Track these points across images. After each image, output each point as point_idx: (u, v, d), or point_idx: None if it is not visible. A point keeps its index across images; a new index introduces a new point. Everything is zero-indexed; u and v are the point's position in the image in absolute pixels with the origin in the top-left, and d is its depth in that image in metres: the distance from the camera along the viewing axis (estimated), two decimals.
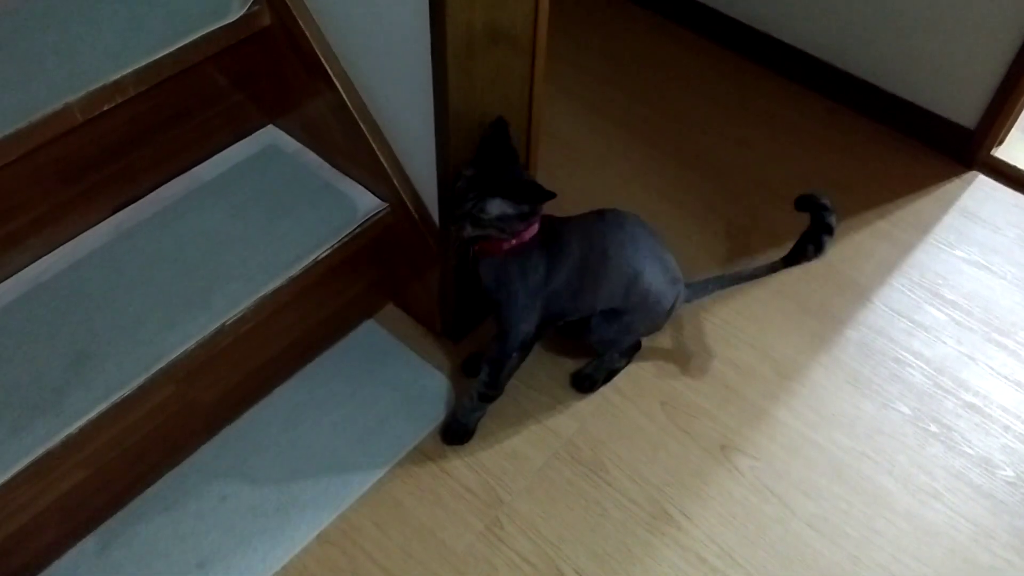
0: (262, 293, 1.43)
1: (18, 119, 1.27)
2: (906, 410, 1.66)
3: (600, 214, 1.48)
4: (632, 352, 1.69)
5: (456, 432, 1.57)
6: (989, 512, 1.53)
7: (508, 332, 1.44)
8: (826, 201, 1.51)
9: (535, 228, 1.37)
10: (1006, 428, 1.65)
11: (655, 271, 1.49)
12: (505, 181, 1.30)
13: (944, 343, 1.78)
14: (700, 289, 1.62)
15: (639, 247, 1.47)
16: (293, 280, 1.46)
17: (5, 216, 1.37)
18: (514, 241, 1.36)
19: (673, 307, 1.55)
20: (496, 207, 1.29)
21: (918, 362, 1.74)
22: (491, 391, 1.53)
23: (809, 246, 1.53)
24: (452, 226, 1.34)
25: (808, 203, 1.53)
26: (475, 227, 1.32)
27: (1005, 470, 1.59)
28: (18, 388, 1.29)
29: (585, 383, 1.65)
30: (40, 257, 1.45)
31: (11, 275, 1.43)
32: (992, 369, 1.74)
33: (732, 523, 1.50)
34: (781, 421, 1.64)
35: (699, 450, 1.59)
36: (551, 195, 1.28)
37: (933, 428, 1.64)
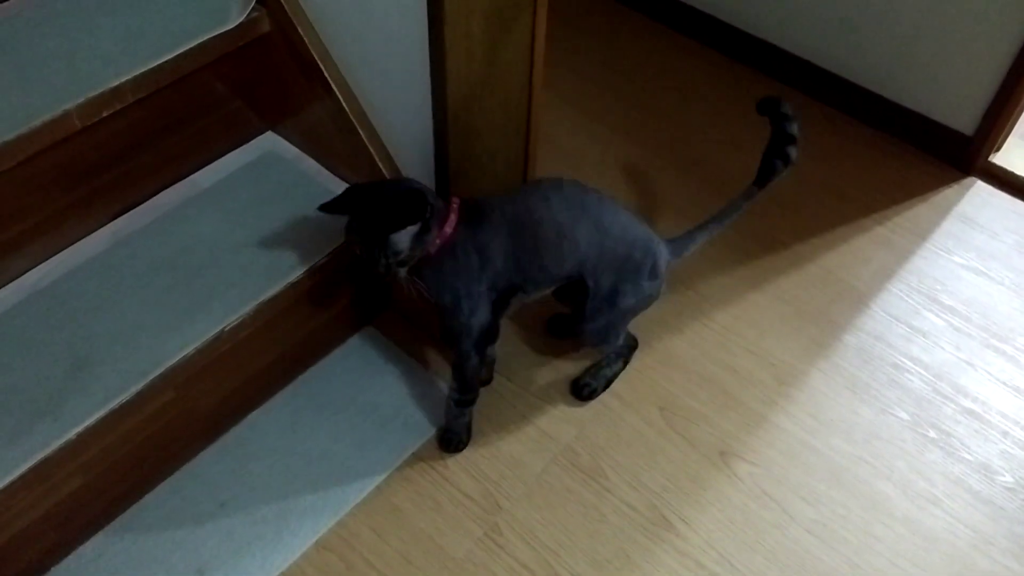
0: (261, 299, 1.43)
1: (18, 125, 1.28)
2: (905, 416, 1.66)
3: (531, 184, 1.45)
4: (629, 353, 1.67)
5: (448, 440, 1.57)
6: (988, 518, 1.53)
7: (461, 333, 1.43)
8: (787, 109, 1.47)
9: (452, 219, 1.35)
10: (1005, 434, 1.65)
11: (609, 223, 1.43)
12: (386, 214, 1.30)
13: (943, 349, 1.78)
14: (685, 241, 1.56)
15: (572, 203, 1.41)
16: (292, 286, 1.46)
17: (4, 222, 1.38)
18: (438, 241, 1.35)
19: (657, 267, 1.48)
20: (401, 241, 1.30)
21: (917, 368, 1.74)
22: (464, 395, 1.52)
23: (776, 161, 1.48)
24: (397, 283, 1.36)
25: (769, 107, 1.48)
26: (404, 265, 1.33)
27: (1004, 476, 1.59)
28: (17, 394, 1.30)
29: (584, 391, 1.65)
30: (39, 263, 1.46)
31: (10, 281, 1.43)
32: (991, 375, 1.74)
33: (731, 529, 1.49)
34: (780, 427, 1.64)
35: (698, 456, 1.59)
36: (420, 195, 1.30)
37: (932, 434, 1.64)
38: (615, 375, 1.67)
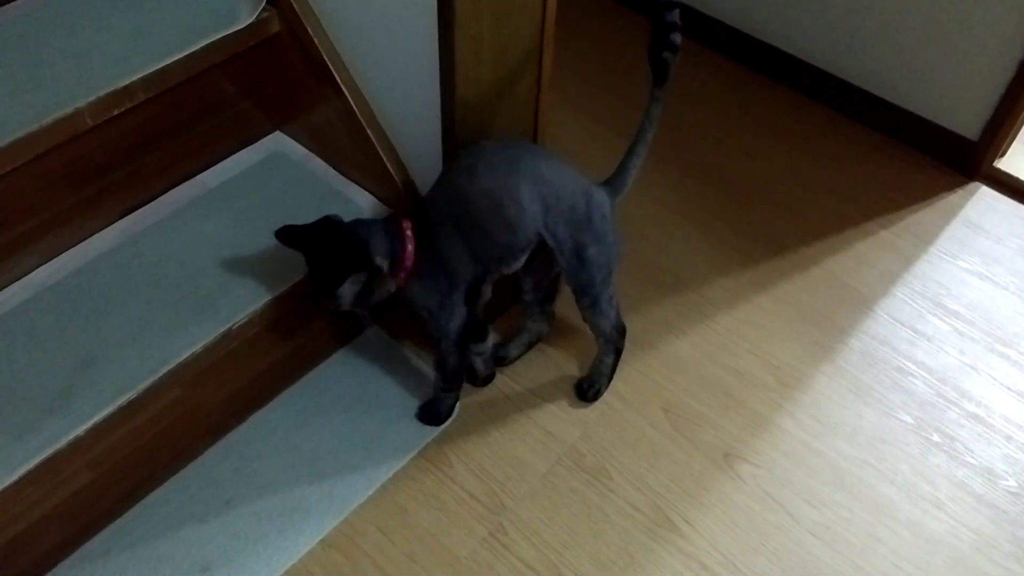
0: (267, 298, 1.44)
1: (29, 123, 1.29)
2: (908, 419, 1.67)
3: (452, 161, 1.40)
4: (620, 339, 1.62)
5: (428, 414, 1.60)
6: (991, 522, 1.53)
7: (441, 337, 1.47)
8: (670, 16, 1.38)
9: (409, 249, 1.36)
10: (1008, 438, 1.65)
11: (546, 172, 1.38)
12: (326, 267, 1.34)
13: (946, 353, 1.78)
14: (621, 177, 1.48)
15: (500, 164, 1.35)
16: (298, 285, 1.47)
17: (14, 219, 1.39)
18: (403, 275, 1.38)
19: (604, 213, 1.43)
20: (346, 293, 1.33)
21: (920, 372, 1.75)
22: (447, 385, 1.56)
23: (664, 53, 1.39)
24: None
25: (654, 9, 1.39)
26: (360, 306, 1.38)
27: (1007, 480, 1.59)
28: (26, 390, 1.30)
29: (589, 392, 1.65)
30: (48, 260, 1.46)
31: (19, 278, 1.44)
32: (994, 379, 1.74)
33: (734, 530, 1.50)
34: (783, 429, 1.64)
35: (702, 457, 1.59)
36: (363, 250, 1.32)
37: (935, 437, 1.65)
38: (613, 367, 1.65)
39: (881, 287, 1.90)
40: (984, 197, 2.11)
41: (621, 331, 1.61)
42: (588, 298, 1.49)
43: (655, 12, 1.38)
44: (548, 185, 1.37)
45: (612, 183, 1.47)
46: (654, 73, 1.41)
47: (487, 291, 1.49)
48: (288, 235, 1.37)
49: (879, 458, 1.61)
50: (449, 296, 1.41)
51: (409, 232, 1.37)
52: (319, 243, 1.35)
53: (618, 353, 1.64)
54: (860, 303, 1.86)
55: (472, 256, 1.38)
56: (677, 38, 1.38)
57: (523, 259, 1.43)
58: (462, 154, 1.38)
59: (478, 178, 1.34)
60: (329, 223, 1.36)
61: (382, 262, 1.34)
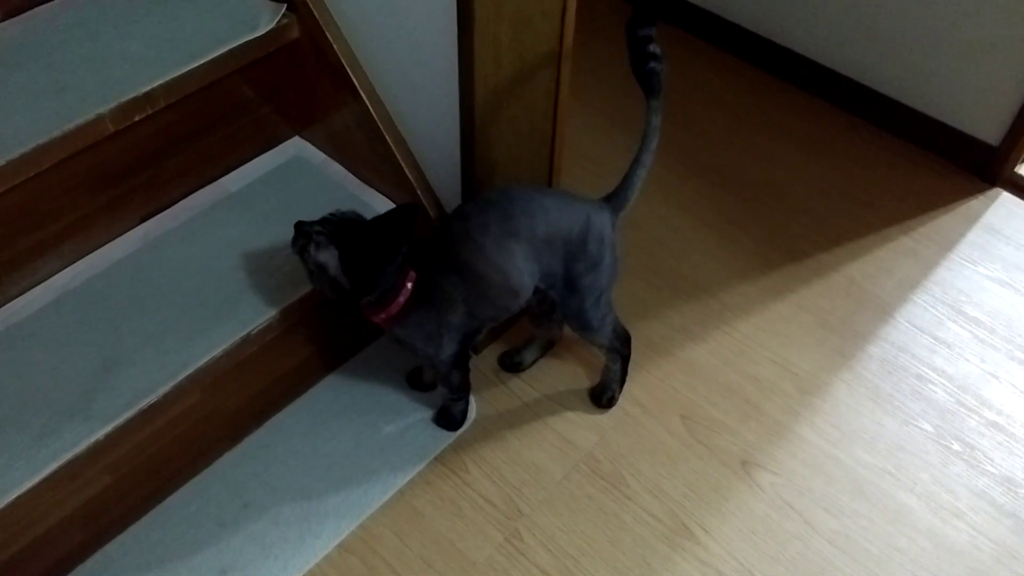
0: (287, 303, 1.45)
1: (52, 129, 1.30)
2: (928, 428, 1.66)
3: (459, 222, 1.38)
4: (624, 346, 1.60)
5: (444, 419, 1.61)
6: (1012, 532, 1.52)
7: (435, 365, 1.48)
8: (645, 31, 1.37)
9: (400, 301, 1.35)
10: None
11: (541, 226, 1.36)
12: (356, 251, 1.30)
13: (967, 360, 1.77)
14: (624, 191, 1.45)
15: (502, 231, 1.35)
16: (317, 290, 1.47)
17: (36, 223, 1.40)
18: (383, 316, 1.37)
19: (602, 234, 1.41)
20: (325, 257, 1.29)
21: (941, 379, 1.73)
22: (455, 395, 1.56)
23: (650, 63, 1.36)
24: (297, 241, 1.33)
25: (631, 34, 1.37)
26: (303, 260, 1.32)
27: None
28: (47, 393, 1.31)
29: (603, 398, 1.65)
30: (70, 264, 1.47)
31: (41, 282, 1.45)
32: (1015, 387, 1.73)
33: (752, 539, 1.49)
34: (802, 437, 1.63)
35: (720, 465, 1.59)
36: (367, 292, 1.31)
37: (956, 446, 1.63)
38: (623, 372, 1.63)
39: (901, 293, 1.89)
40: (1005, 203, 2.09)
41: (624, 339, 1.59)
42: (577, 322, 1.50)
43: (629, 27, 1.37)
44: (542, 237, 1.36)
45: (614, 199, 1.45)
46: (643, 87, 1.39)
47: (480, 334, 1.51)
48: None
49: (898, 467, 1.60)
50: (439, 338, 1.41)
51: (409, 285, 1.35)
52: (382, 237, 1.32)
53: (625, 359, 1.62)
54: (880, 310, 1.85)
55: (468, 313, 1.40)
56: (655, 48, 1.36)
57: (518, 309, 1.45)
58: (470, 217, 1.36)
59: (484, 251, 1.34)
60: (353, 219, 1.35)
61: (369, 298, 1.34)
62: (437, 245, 1.39)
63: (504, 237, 1.34)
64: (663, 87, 1.38)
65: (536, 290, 1.42)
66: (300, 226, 1.31)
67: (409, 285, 1.35)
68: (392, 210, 1.35)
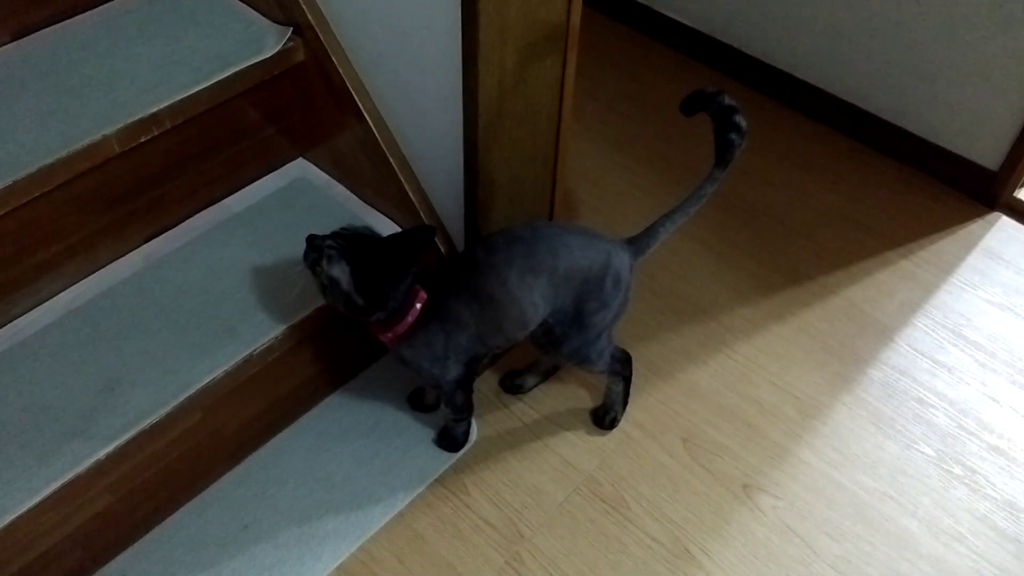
0: (288, 323, 1.45)
1: (58, 149, 1.31)
2: (930, 451, 1.65)
3: (484, 253, 1.39)
4: (624, 368, 1.60)
5: (445, 440, 1.60)
6: (1014, 557, 1.51)
7: (441, 386, 1.48)
8: (714, 90, 1.39)
9: (408, 321, 1.35)
10: None
11: (563, 264, 1.38)
12: (368, 267, 1.29)
13: (967, 384, 1.77)
14: (648, 239, 1.47)
15: (525, 267, 1.37)
16: (319, 311, 1.47)
17: (41, 243, 1.40)
18: (390, 335, 1.37)
19: (619, 275, 1.42)
20: (337, 272, 1.29)
21: (942, 403, 1.73)
22: (459, 416, 1.56)
23: (730, 135, 1.38)
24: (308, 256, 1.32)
25: (698, 101, 1.39)
26: (315, 274, 1.32)
27: None
28: (48, 413, 1.31)
29: (605, 419, 1.65)
30: (73, 284, 1.48)
31: (44, 301, 1.45)
32: (1016, 411, 1.73)
33: (754, 563, 1.49)
34: (804, 461, 1.63)
35: (721, 488, 1.58)
36: (380, 308, 1.31)
37: (957, 470, 1.63)
38: (625, 393, 1.63)
39: (901, 317, 1.89)
40: (1005, 227, 2.10)
41: (624, 360, 1.59)
42: (577, 356, 1.51)
43: (708, 100, 1.39)
44: (562, 274, 1.39)
45: (637, 243, 1.47)
46: (718, 154, 1.41)
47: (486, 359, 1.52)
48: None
49: (900, 491, 1.59)
50: (445, 360, 1.42)
51: (419, 305, 1.36)
52: (397, 256, 1.33)
53: (627, 380, 1.62)
54: (880, 333, 1.85)
55: (478, 338, 1.41)
56: (741, 120, 1.38)
57: (522, 339, 1.47)
58: (496, 251, 1.38)
59: (497, 280, 1.36)
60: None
61: (380, 314, 1.33)
62: (456, 270, 1.41)
63: (526, 272, 1.36)
64: (734, 161, 1.41)
65: (543, 322, 1.43)
66: (312, 240, 1.31)
67: (418, 306, 1.36)
68: (408, 230, 1.37)
